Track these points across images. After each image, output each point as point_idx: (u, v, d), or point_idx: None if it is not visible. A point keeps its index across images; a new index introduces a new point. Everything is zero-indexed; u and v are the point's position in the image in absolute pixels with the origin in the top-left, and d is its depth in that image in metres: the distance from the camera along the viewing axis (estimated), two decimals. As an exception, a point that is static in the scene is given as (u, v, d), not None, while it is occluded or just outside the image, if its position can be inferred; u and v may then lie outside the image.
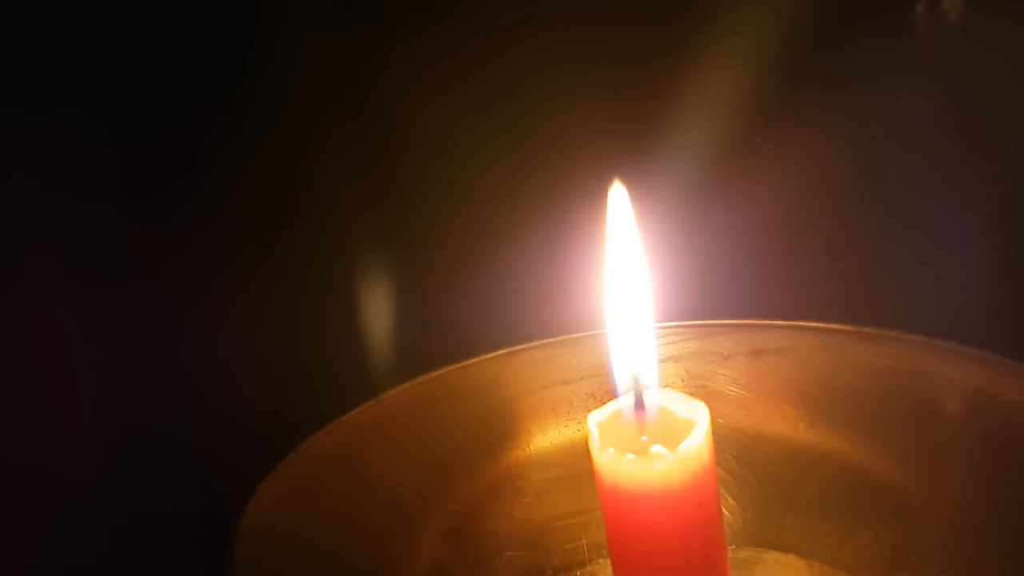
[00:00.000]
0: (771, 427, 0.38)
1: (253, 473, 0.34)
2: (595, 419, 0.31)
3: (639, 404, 0.31)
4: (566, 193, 0.48)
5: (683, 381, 0.39)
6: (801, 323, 0.38)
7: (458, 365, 0.39)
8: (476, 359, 0.39)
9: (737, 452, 0.38)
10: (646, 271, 0.32)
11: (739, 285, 0.49)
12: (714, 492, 0.31)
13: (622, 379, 0.32)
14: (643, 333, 0.32)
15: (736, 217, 0.50)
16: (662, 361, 0.39)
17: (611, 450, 0.30)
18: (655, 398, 0.31)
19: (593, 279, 0.33)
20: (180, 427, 0.47)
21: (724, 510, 0.37)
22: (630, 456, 0.30)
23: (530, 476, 0.39)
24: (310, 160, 0.51)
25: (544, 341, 0.40)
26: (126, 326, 0.48)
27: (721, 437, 0.36)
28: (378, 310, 0.51)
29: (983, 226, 0.48)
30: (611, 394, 0.32)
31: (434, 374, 0.39)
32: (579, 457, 0.34)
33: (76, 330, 0.47)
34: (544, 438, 0.39)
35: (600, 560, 0.37)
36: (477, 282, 0.51)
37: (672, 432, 0.30)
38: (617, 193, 0.33)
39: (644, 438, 0.31)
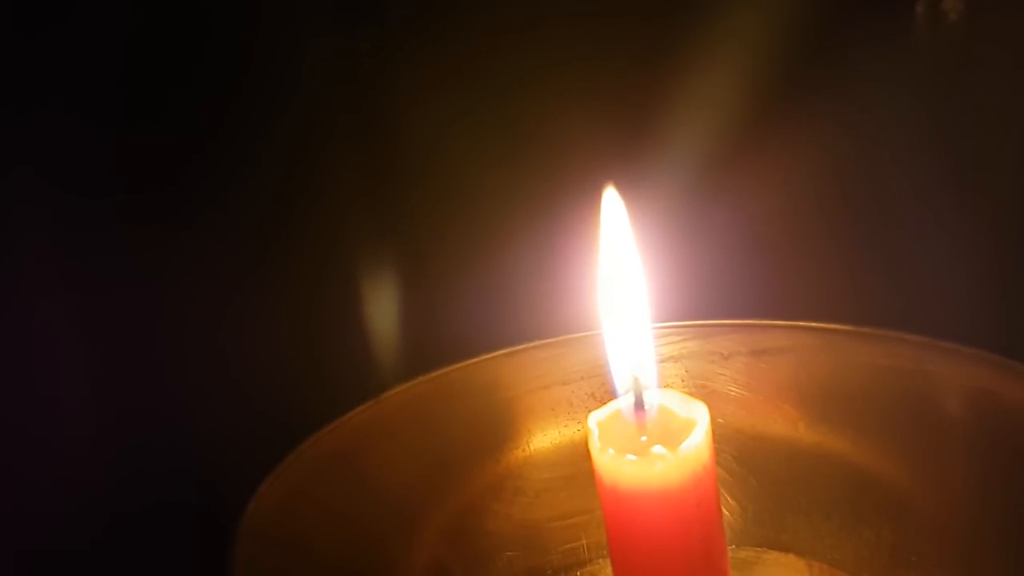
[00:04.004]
0: (771, 427, 0.38)
1: (254, 472, 0.34)
2: (595, 419, 0.31)
3: (639, 404, 0.31)
4: (566, 192, 0.48)
5: (683, 381, 0.39)
6: (801, 323, 0.38)
7: (458, 365, 0.39)
8: (476, 359, 0.39)
9: (737, 452, 0.38)
10: (641, 272, 0.32)
11: (739, 285, 0.49)
12: (714, 492, 0.31)
13: (620, 380, 0.32)
14: (640, 333, 0.32)
15: (737, 217, 0.50)
16: (662, 361, 0.39)
17: (611, 450, 0.30)
18: (655, 398, 0.31)
19: (593, 278, 0.33)
20: (181, 426, 0.47)
21: (724, 510, 0.37)
22: (630, 456, 0.30)
23: (530, 476, 0.39)
24: (310, 160, 0.51)
25: (544, 341, 0.40)
26: (126, 324, 0.48)
27: (721, 437, 0.37)
28: (378, 310, 0.51)
29: (983, 226, 0.48)
30: (611, 394, 0.32)
31: (434, 374, 0.39)
32: (579, 457, 0.34)
33: (76, 328, 0.47)
34: (544, 438, 0.39)
35: (600, 560, 0.37)
36: (477, 282, 0.51)
37: (672, 432, 0.30)
38: (610, 196, 0.33)
39: (644, 438, 0.31)
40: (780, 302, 0.42)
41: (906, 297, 0.47)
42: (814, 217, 0.51)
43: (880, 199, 0.51)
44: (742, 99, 0.49)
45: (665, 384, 0.37)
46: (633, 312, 0.32)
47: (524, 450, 0.39)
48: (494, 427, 0.39)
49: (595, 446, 0.31)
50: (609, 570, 0.33)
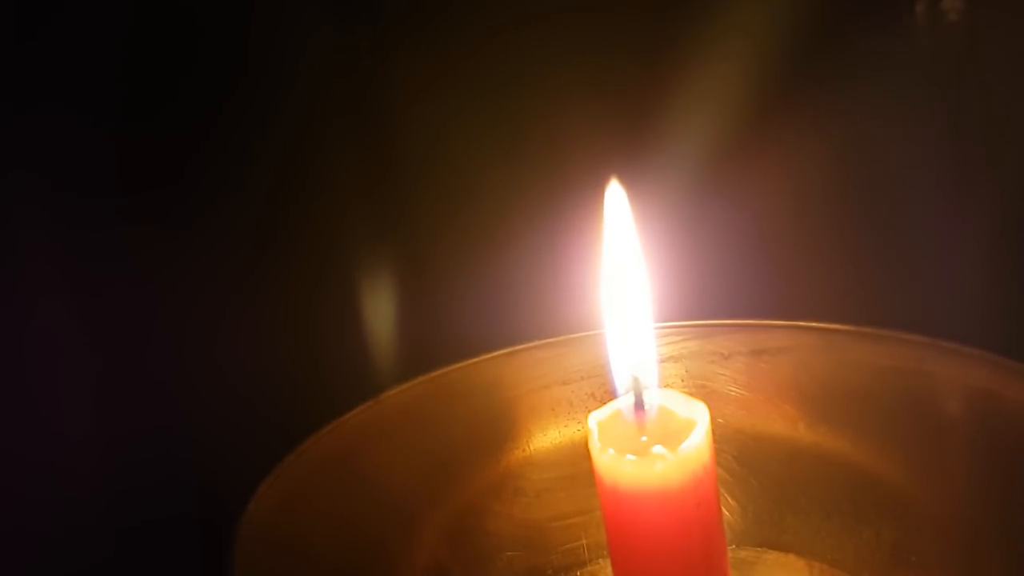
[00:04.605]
0: (771, 427, 0.38)
1: (253, 473, 0.34)
2: (595, 419, 0.31)
3: (639, 404, 0.31)
4: (566, 192, 0.48)
5: (683, 381, 0.39)
6: (801, 323, 0.38)
7: (458, 365, 0.39)
8: (476, 359, 0.39)
9: (737, 452, 0.38)
10: (644, 271, 0.32)
11: (739, 285, 0.49)
12: (714, 492, 0.31)
13: (621, 379, 0.32)
14: (642, 333, 0.32)
15: (737, 217, 0.50)
16: (662, 361, 0.39)
17: (611, 450, 0.30)
18: (655, 398, 0.31)
19: (594, 278, 0.33)
20: (179, 428, 0.46)
21: (724, 510, 0.37)
22: (630, 456, 0.30)
23: (530, 476, 0.39)
24: (309, 158, 0.51)
25: (544, 341, 0.40)
26: (124, 325, 0.48)
27: (721, 437, 0.37)
28: (378, 310, 0.51)
29: (983, 226, 0.48)
30: (611, 394, 0.32)
31: (434, 374, 0.39)
32: (579, 457, 0.34)
33: (73, 329, 0.47)
34: (544, 438, 0.39)
35: (600, 560, 0.37)
36: (477, 281, 0.51)
37: (672, 432, 0.30)
38: (614, 192, 0.33)
39: (644, 438, 0.31)
40: (780, 302, 0.42)
41: (907, 297, 0.47)
42: (814, 217, 0.51)
43: (880, 199, 0.51)
44: (742, 98, 0.49)
45: (665, 384, 0.37)
46: (635, 311, 0.32)
47: (524, 450, 0.39)
48: (494, 427, 0.39)
49: (595, 446, 0.31)
50: (609, 570, 0.33)
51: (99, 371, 0.47)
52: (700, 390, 0.39)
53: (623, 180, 0.33)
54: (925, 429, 0.36)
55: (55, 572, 0.44)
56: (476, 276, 0.51)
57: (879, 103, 0.49)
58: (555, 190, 0.49)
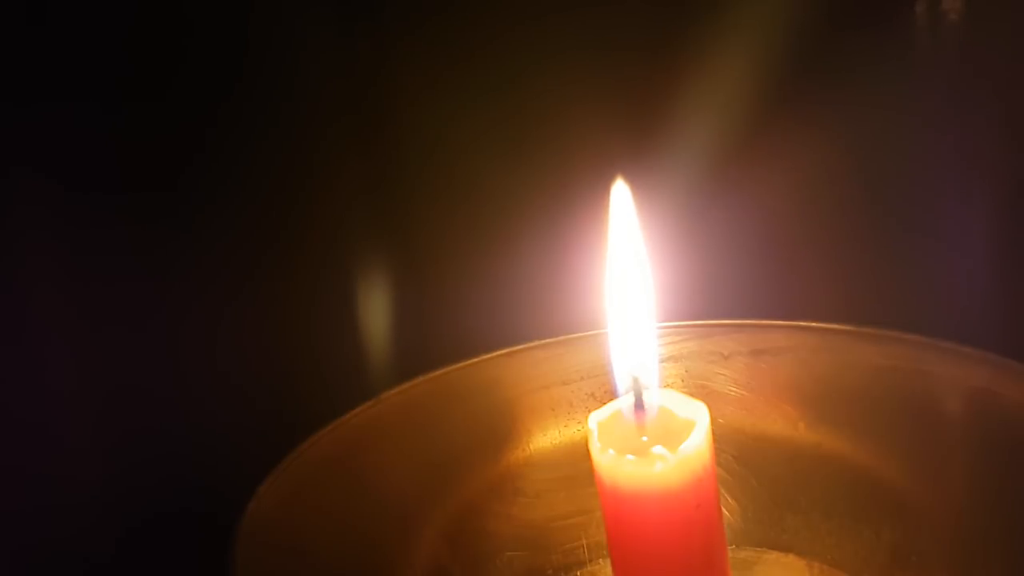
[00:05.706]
0: (771, 427, 0.38)
1: (252, 474, 0.34)
2: (595, 419, 0.31)
3: (639, 404, 0.31)
4: (567, 192, 0.48)
5: (683, 381, 0.39)
6: (801, 323, 0.38)
7: (458, 365, 0.39)
8: (476, 359, 0.39)
9: (737, 452, 0.38)
10: (648, 270, 0.32)
11: (739, 285, 0.49)
12: (714, 492, 0.31)
13: (622, 379, 0.32)
14: (644, 333, 0.32)
15: (737, 216, 0.50)
16: (662, 361, 0.39)
17: (611, 451, 0.30)
18: (655, 398, 0.31)
19: (594, 279, 0.33)
20: (179, 428, 0.46)
21: (724, 510, 0.37)
22: (630, 457, 0.30)
23: (530, 476, 0.39)
24: (309, 158, 0.51)
25: (544, 341, 0.40)
26: (123, 326, 0.48)
27: (721, 437, 0.36)
28: (377, 310, 0.51)
29: (984, 226, 0.48)
30: (611, 394, 0.32)
31: (434, 374, 0.39)
32: (579, 457, 0.34)
33: (72, 328, 0.47)
34: (544, 438, 0.39)
35: (600, 560, 0.37)
36: (477, 281, 0.51)
37: (672, 432, 0.30)
38: (620, 191, 0.33)
39: (644, 439, 0.31)
40: (780, 302, 0.42)
41: (907, 297, 0.47)
42: (814, 217, 0.51)
43: (880, 199, 0.51)
44: (745, 98, 0.49)
45: (665, 384, 0.37)
46: (638, 311, 0.32)
47: (524, 450, 0.39)
48: (494, 427, 0.39)
49: (595, 446, 0.31)
50: (609, 570, 0.33)
51: (98, 371, 0.47)
52: (700, 390, 0.39)
53: (627, 179, 0.33)
54: (925, 429, 0.36)
55: (56, 573, 0.44)
56: (476, 276, 0.51)
57: (880, 104, 0.49)
58: (555, 190, 0.49)
